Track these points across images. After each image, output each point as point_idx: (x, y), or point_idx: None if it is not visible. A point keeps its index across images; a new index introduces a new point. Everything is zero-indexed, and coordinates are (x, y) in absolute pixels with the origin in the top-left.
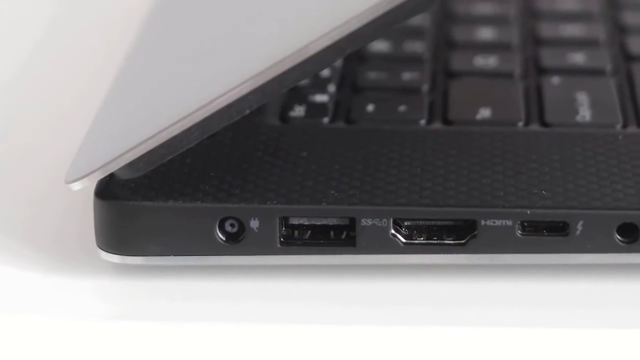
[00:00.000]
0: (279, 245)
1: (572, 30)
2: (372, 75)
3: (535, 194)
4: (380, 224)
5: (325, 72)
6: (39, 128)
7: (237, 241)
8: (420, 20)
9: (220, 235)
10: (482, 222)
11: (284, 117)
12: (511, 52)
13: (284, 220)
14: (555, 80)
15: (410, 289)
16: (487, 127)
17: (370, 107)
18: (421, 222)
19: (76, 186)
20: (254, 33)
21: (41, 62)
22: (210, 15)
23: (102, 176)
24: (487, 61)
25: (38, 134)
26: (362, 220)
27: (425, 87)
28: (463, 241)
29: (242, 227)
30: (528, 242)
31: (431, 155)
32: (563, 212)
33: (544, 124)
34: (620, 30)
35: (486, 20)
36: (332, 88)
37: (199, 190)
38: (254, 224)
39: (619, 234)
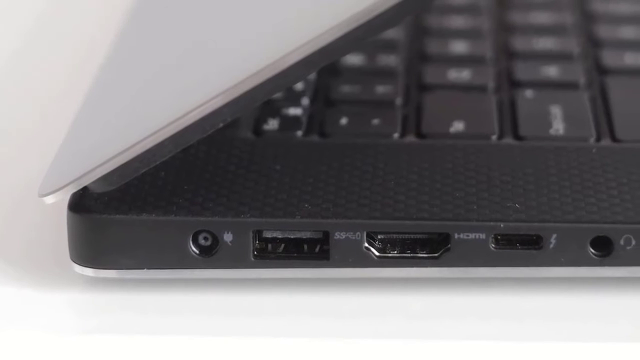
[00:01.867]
0: (252, 259)
1: (545, 43)
2: (346, 88)
3: (508, 208)
4: (353, 238)
5: (299, 86)
6: (12, 140)
7: (211, 254)
8: (393, 33)
9: (194, 249)
10: (456, 236)
11: (257, 130)
12: (485, 65)
13: (258, 233)
14: (529, 93)
15: (384, 302)
16: (461, 141)
17: (343, 121)
18: (395, 236)
19: (49, 199)
20: (227, 46)
21: (14, 72)
22: (184, 27)
23: (75, 189)
24: (461, 74)
25: (11, 145)
26: (336, 234)
27: (398, 101)
28: (437, 254)
29: (216, 240)
30: (501, 255)
31: (404, 169)
32: (536, 226)
33: (517, 137)
34: (593, 44)
35: (459, 34)
36: (305, 101)
37: (172, 203)
38: (228, 237)
39: (592, 248)
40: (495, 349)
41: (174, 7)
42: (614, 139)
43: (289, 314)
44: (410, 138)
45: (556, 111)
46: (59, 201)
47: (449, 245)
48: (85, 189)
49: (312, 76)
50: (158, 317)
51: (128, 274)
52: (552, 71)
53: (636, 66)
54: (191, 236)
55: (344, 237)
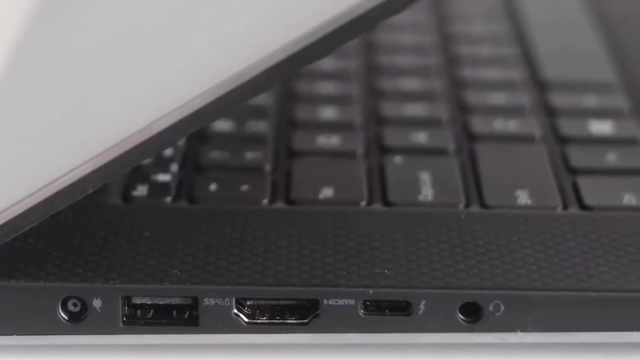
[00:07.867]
0: (121, 325)
1: (414, 109)
2: (215, 154)
3: (377, 274)
4: (222, 304)
5: (168, 152)
6: None
7: (80, 320)
8: (263, 99)
9: (63, 315)
10: (325, 302)
11: (126, 196)
12: (354, 131)
13: (127, 299)
14: (398, 159)
15: None
16: (330, 207)
17: (212, 187)
18: (264, 302)
19: None
20: (96, 112)
21: None
22: (52, 92)
23: None
24: (330, 140)
25: None
26: (205, 300)
27: (267, 167)
28: (306, 320)
29: (85, 306)
30: (371, 321)
31: (274, 235)
32: (405, 292)
33: (386, 203)
34: (462, 110)
35: (329, 100)
36: (174, 167)
37: (41, 269)
38: (97, 303)
39: (461, 314)
40: None
41: (48, 68)
42: (483, 205)
43: None
44: (280, 204)
45: (425, 177)
46: None
47: (318, 312)
48: None
49: (181, 142)
50: None
51: None
52: (421, 137)
53: (505, 132)
54: (60, 302)
55: (213, 303)
